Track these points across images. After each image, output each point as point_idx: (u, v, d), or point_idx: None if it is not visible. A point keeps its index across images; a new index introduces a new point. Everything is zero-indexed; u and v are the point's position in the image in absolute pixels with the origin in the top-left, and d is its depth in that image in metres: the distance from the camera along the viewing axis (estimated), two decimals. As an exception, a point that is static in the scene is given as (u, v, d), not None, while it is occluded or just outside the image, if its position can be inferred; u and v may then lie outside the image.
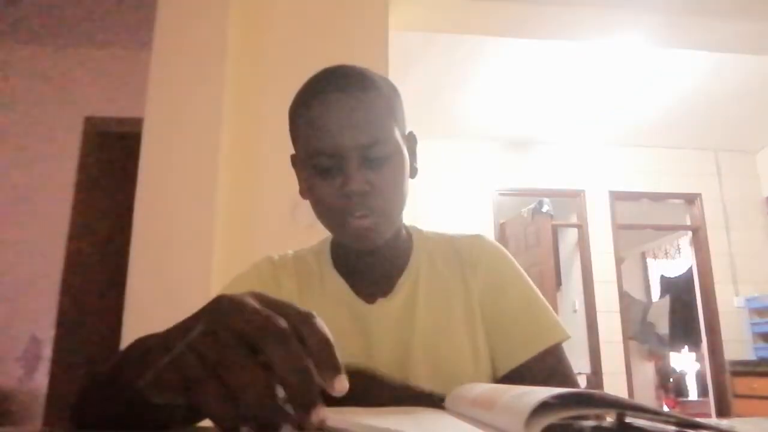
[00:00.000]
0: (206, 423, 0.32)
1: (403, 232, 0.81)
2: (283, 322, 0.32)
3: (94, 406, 0.47)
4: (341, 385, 0.31)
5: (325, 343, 0.32)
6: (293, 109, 0.73)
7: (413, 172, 0.77)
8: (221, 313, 0.32)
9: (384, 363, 0.71)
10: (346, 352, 0.71)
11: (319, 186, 0.69)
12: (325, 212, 0.70)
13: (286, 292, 0.77)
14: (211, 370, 0.30)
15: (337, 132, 0.66)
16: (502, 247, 0.82)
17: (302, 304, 0.76)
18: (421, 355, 0.71)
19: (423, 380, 0.69)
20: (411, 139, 0.77)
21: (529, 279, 0.79)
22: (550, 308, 0.76)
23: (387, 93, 0.72)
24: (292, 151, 0.77)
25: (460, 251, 0.80)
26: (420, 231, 0.84)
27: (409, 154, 0.75)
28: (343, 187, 0.66)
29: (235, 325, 0.31)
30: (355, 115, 0.67)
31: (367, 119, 0.67)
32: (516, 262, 0.80)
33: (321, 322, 0.33)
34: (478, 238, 0.82)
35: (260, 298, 0.34)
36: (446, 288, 0.77)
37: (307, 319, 0.33)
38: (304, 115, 0.70)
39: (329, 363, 0.31)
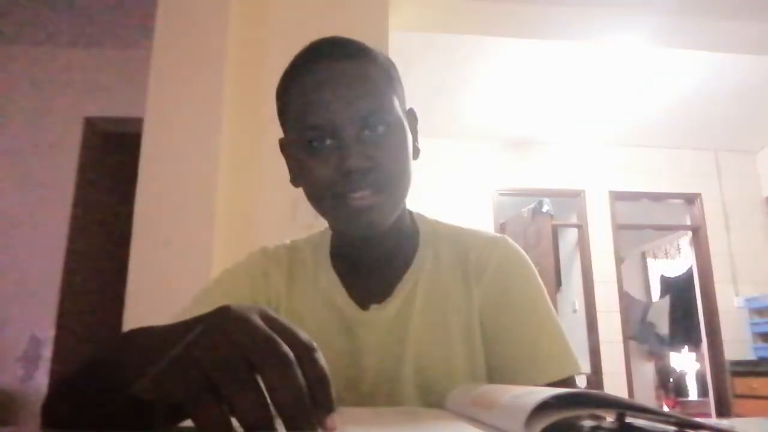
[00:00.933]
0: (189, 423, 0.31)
1: (407, 221, 0.72)
2: (285, 348, 0.31)
3: (75, 393, 0.44)
4: (332, 423, 0.31)
5: (323, 379, 0.32)
6: (281, 85, 0.66)
7: (415, 153, 0.68)
8: (226, 326, 0.32)
9: (373, 377, 0.66)
10: (333, 360, 0.68)
11: (313, 166, 0.61)
12: (320, 196, 0.62)
13: (274, 287, 0.72)
14: (210, 384, 0.29)
15: (332, 103, 0.59)
16: (523, 255, 0.70)
17: (290, 300, 0.73)
18: (411, 372, 0.65)
19: (413, 399, 0.65)
20: (412, 116, 0.69)
21: (545, 296, 0.68)
22: (563, 334, 0.66)
23: (384, 63, 0.65)
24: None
25: (469, 253, 0.70)
26: (427, 222, 0.75)
27: (411, 133, 0.67)
28: (341, 164, 0.59)
29: (238, 342, 0.31)
30: (351, 83, 0.60)
31: (364, 88, 0.60)
32: (535, 274, 0.69)
33: (321, 357, 0.33)
34: (494, 241, 0.71)
35: (267, 318, 0.33)
36: (446, 296, 0.68)
37: (309, 351, 0.32)
38: (294, 88, 0.63)
39: (324, 400, 0.31)
